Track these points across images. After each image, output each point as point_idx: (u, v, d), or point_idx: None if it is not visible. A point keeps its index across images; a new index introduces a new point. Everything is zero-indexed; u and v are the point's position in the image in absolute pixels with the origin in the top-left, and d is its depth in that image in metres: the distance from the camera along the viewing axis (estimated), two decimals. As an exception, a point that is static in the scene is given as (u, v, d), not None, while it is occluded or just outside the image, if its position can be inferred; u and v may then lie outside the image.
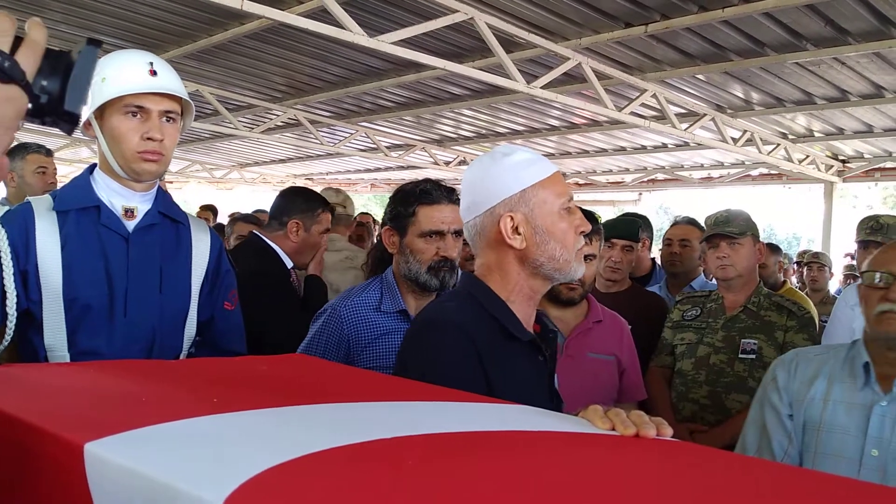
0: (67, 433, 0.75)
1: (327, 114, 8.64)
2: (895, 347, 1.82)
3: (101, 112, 1.75)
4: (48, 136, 8.98)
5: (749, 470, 0.87)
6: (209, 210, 7.98)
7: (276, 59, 6.53)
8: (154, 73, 1.75)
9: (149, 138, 1.74)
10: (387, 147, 9.92)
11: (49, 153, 3.92)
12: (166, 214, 1.88)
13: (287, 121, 8.68)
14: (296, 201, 3.01)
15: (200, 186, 14.91)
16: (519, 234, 1.45)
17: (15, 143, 4.21)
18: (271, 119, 8.55)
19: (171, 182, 14.08)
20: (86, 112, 1.77)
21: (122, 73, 1.73)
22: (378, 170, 12.72)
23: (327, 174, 13.97)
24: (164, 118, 1.77)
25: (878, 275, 1.83)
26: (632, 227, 3.39)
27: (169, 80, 1.78)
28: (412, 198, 2.15)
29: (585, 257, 2.42)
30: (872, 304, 1.83)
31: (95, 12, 5.42)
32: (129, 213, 1.81)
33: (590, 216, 2.48)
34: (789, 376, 1.99)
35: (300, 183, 12.47)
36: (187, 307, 1.88)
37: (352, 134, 9.30)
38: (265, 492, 0.61)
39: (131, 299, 1.76)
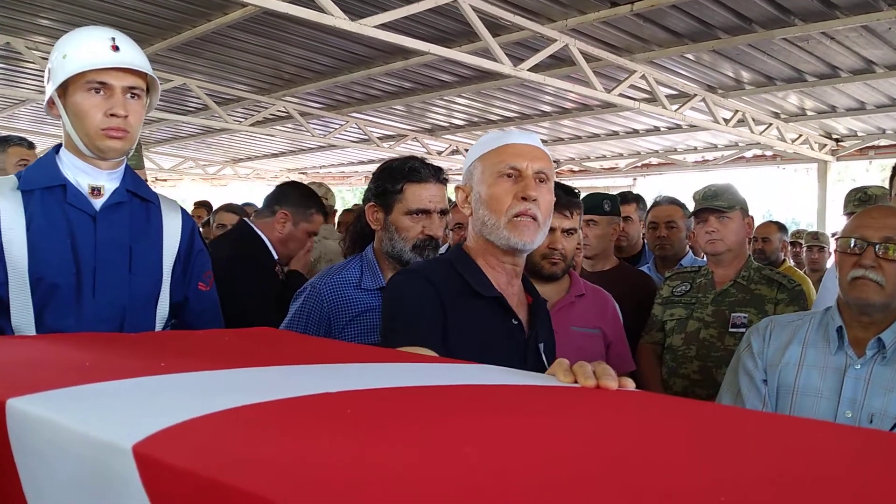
0: (-9, 390, 0.72)
1: (317, 105, 8.59)
2: (868, 312, 1.85)
3: (63, 90, 1.71)
4: (41, 136, 8.94)
5: (702, 412, 0.84)
6: (203, 207, 7.88)
7: (262, 50, 6.48)
8: (116, 48, 1.71)
9: (112, 114, 1.69)
10: (378, 138, 9.87)
11: (31, 146, 3.88)
12: (135, 193, 1.84)
13: (277, 113, 8.63)
14: (291, 194, 2.97)
15: (195, 184, 14.85)
16: (469, 203, 1.62)
17: (-3, 135, 4.19)
18: (260, 112, 8.49)
19: (166, 180, 14.03)
20: (49, 90, 1.74)
21: (84, 49, 1.69)
22: (371, 161, 12.64)
23: (321, 167, 13.91)
24: (129, 94, 1.73)
25: (852, 240, 1.85)
26: (593, 200, 3.27)
27: (132, 56, 1.74)
28: (400, 175, 2.11)
29: (565, 230, 2.42)
30: (846, 270, 1.86)
31: (79, 6, 5.37)
32: (96, 191, 1.77)
33: (568, 191, 2.45)
34: (764, 342, 2.03)
35: (294, 177, 12.44)
36: (158, 287, 1.84)
37: (342, 125, 9.26)
38: (178, 438, 0.58)
39: (100, 279, 1.72)
